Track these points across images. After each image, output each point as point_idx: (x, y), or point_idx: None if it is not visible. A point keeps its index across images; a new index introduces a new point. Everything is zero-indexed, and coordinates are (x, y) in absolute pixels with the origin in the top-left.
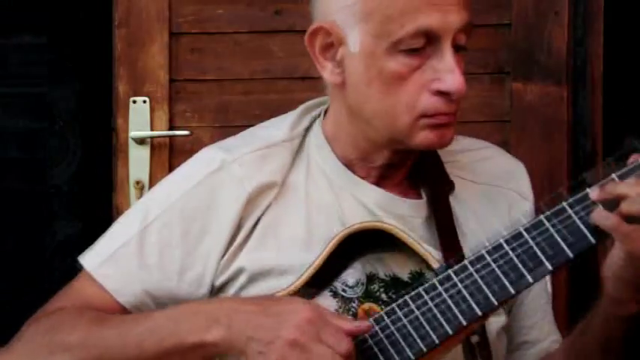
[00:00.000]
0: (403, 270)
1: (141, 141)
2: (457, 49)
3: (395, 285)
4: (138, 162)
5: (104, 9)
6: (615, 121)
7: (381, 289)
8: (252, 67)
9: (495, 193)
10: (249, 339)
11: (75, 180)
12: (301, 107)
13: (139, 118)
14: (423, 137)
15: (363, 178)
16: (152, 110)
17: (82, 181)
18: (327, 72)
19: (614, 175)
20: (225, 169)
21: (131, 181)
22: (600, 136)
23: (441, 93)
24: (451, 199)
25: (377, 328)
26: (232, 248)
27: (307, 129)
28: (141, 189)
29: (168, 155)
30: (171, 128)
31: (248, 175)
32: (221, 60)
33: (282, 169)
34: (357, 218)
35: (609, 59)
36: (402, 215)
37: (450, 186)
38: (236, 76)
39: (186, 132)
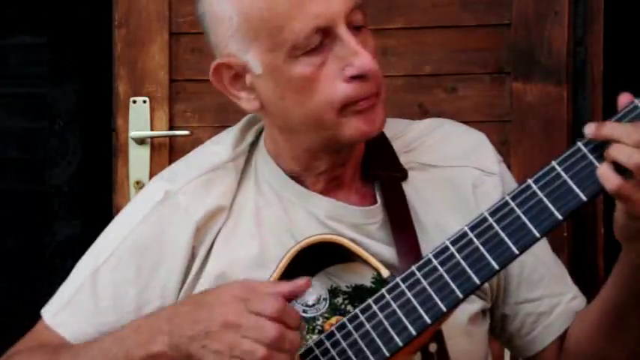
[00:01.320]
0: (364, 276)
1: (141, 141)
2: (359, 28)
3: (358, 294)
4: (138, 162)
5: (104, 9)
6: None
7: (346, 302)
8: None
9: (457, 174)
10: (191, 338)
11: (75, 180)
12: (242, 121)
13: (139, 118)
14: (354, 128)
15: (312, 187)
16: (152, 110)
17: (82, 181)
18: (244, 102)
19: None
20: (170, 199)
21: (131, 181)
22: None
23: (354, 78)
24: (409, 189)
25: (328, 344)
26: (190, 278)
27: (252, 143)
28: (141, 189)
29: (168, 155)
30: (171, 128)
31: (193, 203)
32: None
33: (228, 191)
34: (309, 232)
35: (609, 59)
36: (356, 223)
37: (403, 174)
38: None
39: (186, 132)
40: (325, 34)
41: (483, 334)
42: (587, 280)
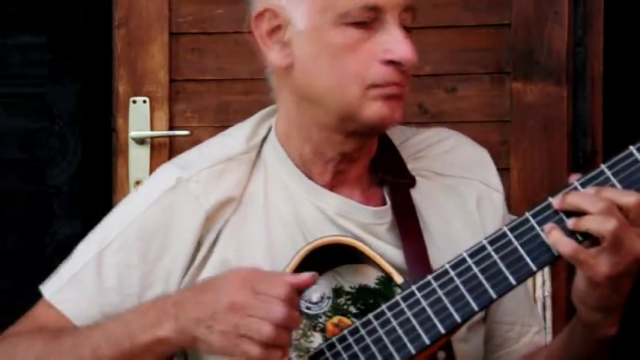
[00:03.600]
0: (369, 278)
1: (141, 141)
2: (405, 28)
3: (362, 295)
4: (138, 162)
5: (104, 9)
6: (615, 121)
7: (349, 302)
8: (252, 67)
9: (462, 185)
10: (197, 321)
11: (75, 180)
12: (258, 115)
13: (139, 118)
14: (375, 109)
15: (318, 179)
16: (152, 110)
17: (82, 181)
18: (275, 54)
19: (575, 183)
20: (182, 186)
21: (131, 181)
22: (600, 136)
23: (391, 63)
24: (416, 194)
25: (339, 347)
26: (193, 267)
27: (264, 138)
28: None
29: (169, 155)
30: (171, 128)
31: (205, 192)
32: (221, 60)
33: (239, 183)
34: (317, 227)
35: (609, 59)
36: (365, 223)
37: (410, 181)
38: (236, 76)
39: (186, 132)
40: (376, 16)
41: (480, 342)
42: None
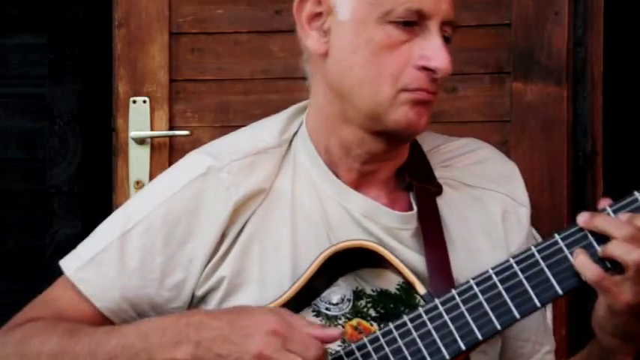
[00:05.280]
0: (391, 283)
1: (141, 141)
2: (445, 39)
3: (383, 299)
4: (138, 162)
5: (104, 9)
6: (615, 121)
7: (369, 305)
8: (252, 67)
9: (488, 197)
10: (218, 356)
11: (75, 180)
12: (292, 109)
13: (139, 118)
14: (402, 113)
15: (345, 177)
16: (152, 110)
17: (82, 181)
18: (312, 40)
19: (608, 209)
20: (212, 175)
21: (131, 181)
22: (600, 136)
23: (425, 69)
24: (441, 203)
25: (358, 354)
26: (216, 257)
27: (295, 133)
28: (141, 189)
29: (169, 155)
30: (171, 128)
31: (235, 183)
32: (221, 60)
33: (269, 176)
34: (341, 227)
35: (609, 59)
36: (391, 227)
37: (438, 189)
38: (236, 76)
39: (186, 132)
40: (419, 21)
41: (497, 353)
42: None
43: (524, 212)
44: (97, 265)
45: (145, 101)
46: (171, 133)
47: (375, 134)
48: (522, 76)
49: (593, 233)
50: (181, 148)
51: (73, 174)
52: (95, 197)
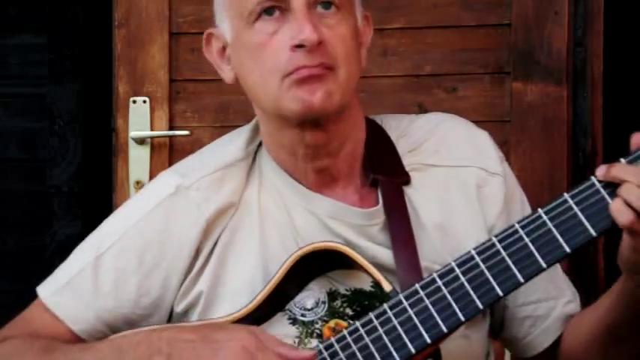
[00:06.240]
0: (364, 282)
1: (141, 141)
2: (328, 7)
3: (358, 297)
4: (138, 162)
5: (104, 9)
6: (615, 121)
7: (345, 304)
8: None
9: (460, 174)
10: None
11: (75, 180)
12: (254, 121)
13: (139, 118)
14: (291, 97)
15: (304, 181)
16: (152, 110)
17: (82, 181)
18: (224, 73)
19: (622, 160)
20: (181, 194)
21: (131, 181)
22: (600, 136)
23: (297, 47)
24: (411, 191)
25: (326, 354)
26: (192, 274)
27: (260, 144)
28: (141, 189)
29: (169, 155)
30: (171, 128)
31: (206, 198)
32: None
33: (238, 188)
34: (309, 232)
35: (609, 59)
36: (357, 224)
37: (404, 179)
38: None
39: (186, 132)
40: (282, 6)
41: (481, 336)
42: (587, 279)
43: (497, 181)
44: (72, 289)
45: (145, 101)
46: (171, 133)
47: (297, 127)
48: (522, 76)
49: (606, 186)
50: (181, 148)
51: (73, 174)
52: (95, 197)
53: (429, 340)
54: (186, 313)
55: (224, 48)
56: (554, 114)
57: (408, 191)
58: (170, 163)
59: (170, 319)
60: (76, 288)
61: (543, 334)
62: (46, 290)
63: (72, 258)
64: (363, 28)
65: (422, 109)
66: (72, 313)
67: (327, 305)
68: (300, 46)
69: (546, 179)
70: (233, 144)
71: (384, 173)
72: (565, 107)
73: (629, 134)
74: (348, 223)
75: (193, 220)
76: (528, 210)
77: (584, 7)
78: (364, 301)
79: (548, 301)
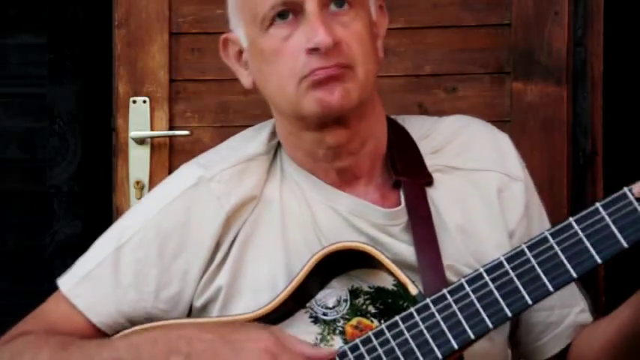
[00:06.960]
0: (386, 281)
1: (141, 141)
2: (341, 5)
3: (380, 295)
4: (138, 162)
5: (104, 9)
6: (615, 121)
7: (367, 302)
8: None
9: (481, 178)
10: None
11: (75, 180)
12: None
13: (139, 118)
14: (309, 99)
15: (327, 180)
16: (152, 110)
17: (82, 181)
18: (243, 77)
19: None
20: (203, 186)
21: (131, 181)
22: (600, 136)
23: (312, 51)
24: (434, 192)
25: (351, 356)
26: (212, 267)
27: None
28: (141, 189)
29: (169, 155)
30: (171, 128)
31: (227, 191)
32: (221, 60)
33: (259, 182)
34: (331, 228)
35: (609, 59)
36: (379, 224)
37: (427, 180)
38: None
39: (186, 132)
40: (295, 9)
41: (504, 338)
42: (587, 279)
43: (519, 187)
44: (92, 281)
45: (145, 101)
46: (171, 133)
47: (317, 129)
48: (522, 76)
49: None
50: (181, 148)
51: (73, 174)
52: (95, 197)
53: (456, 347)
54: (205, 307)
55: (240, 52)
56: (554, 114)
57: (431, 192)
58: (170, 163)
59: (190, 315)
60: (96, 280)
61: (553, 341)
62: (66, 282)
63: (92, 250)
64: (377, 19)
65: (422, 109)
66: (92, 305)
67: (349, 303)
68: (315, 49)
69: (546, 179)
70: (255, 139)
71: (406, 174)
72: (565, 107)
73: (629, 134)
74: (370, 221)
75: (214, 213)
76: (545, 216)
77: (584, 7)
78: (387, 299)
79: (562, 309)
